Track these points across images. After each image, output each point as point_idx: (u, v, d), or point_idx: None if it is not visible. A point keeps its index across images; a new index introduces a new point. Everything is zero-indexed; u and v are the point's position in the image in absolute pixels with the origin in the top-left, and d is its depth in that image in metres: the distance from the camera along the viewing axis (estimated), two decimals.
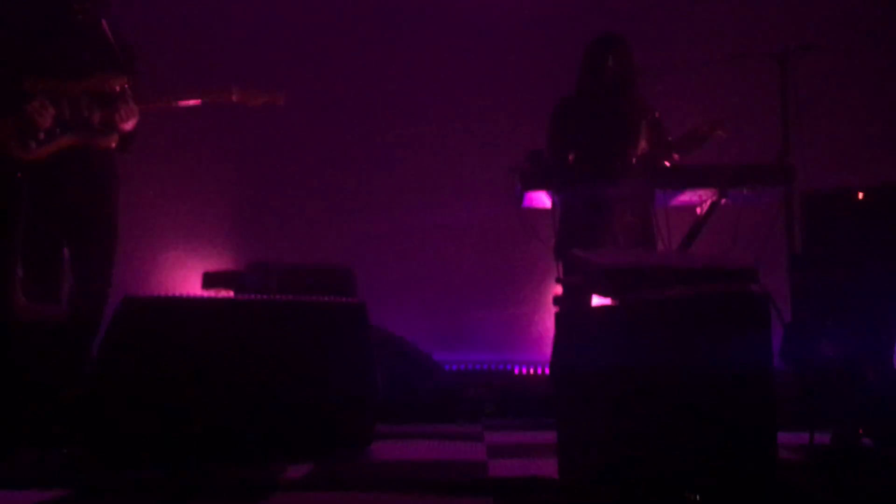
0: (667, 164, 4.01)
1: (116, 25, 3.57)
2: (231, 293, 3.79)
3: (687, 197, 3.91)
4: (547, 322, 3.09)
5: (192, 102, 3.57)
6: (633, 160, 3.98)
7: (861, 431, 3.08)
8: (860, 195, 3.20)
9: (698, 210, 3.92)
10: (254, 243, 5.36)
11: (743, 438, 2.32)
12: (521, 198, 3.93)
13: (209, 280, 3.94)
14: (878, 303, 3.03)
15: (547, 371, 4.88)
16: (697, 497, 2.22)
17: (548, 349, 3.46)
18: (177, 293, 5.13)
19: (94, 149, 3.45)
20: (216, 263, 5.21)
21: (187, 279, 5.37)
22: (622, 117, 4.00)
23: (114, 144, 3.48)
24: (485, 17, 5.67)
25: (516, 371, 5.26)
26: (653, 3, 5.57)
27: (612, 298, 2.59)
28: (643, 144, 4.03)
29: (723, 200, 3.75)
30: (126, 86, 3.45)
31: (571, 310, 2.77)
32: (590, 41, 4.04)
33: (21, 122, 3.33)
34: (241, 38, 5.55)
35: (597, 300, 2.78)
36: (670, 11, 5.50)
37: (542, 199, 3.99)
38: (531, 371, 5.26)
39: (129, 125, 3.46)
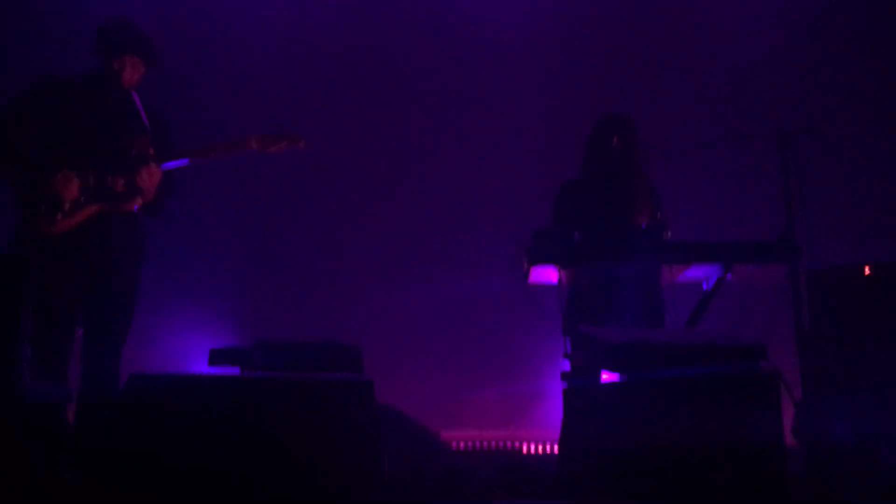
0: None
1: (149, 97, 3.66)
2: (237, 370, 3.77)
3: (693, 273, 3.92)
4: (555, 398, 3.06)
5: (212, 157, 3.62)
6: (639, 237, 4.01)
7: None
8: (867, 271, 3.21)
9: (704, 286, 3.93)
10: (260, 320, 5.37)
11: None
12: (527, 274, 3.94)
13: (215, 357, 3.91)
14: (889, 381, 3.01)
15: (556, 449, 4.82)
16: None
17: (556, 426, 3.43)
18: (183, 370, 5.13)
19: (119, 215, 3.50)
20: (222, 340, 5.20)
21: (193, 356, 5.36)
22: (628, 196, 4.05)
23: (136, 207, 3.53)
24: (493, 95, 5.78)
25: (524, 449, 5.20)
26: (656, 83, 5.69)
27: (621, 375, 2.58)
28: (648, 221, 4.06)
29: (728, 276, 3.76)
30: (147, 148, 3.52)
31: (580, 386, 2.76)
32: (596, 121, 4.12)
33: (47, 195, 3.39)
34: (248, 101, 5.65)
35: (605, 377, 2.78)
36: (674, 91, 5.61)
37: (548, 276, 4.01)
38: (540, 449, 5.19)
39: (151, 186, 3.51)
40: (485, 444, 5.23)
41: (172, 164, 3.58)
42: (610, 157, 4.03)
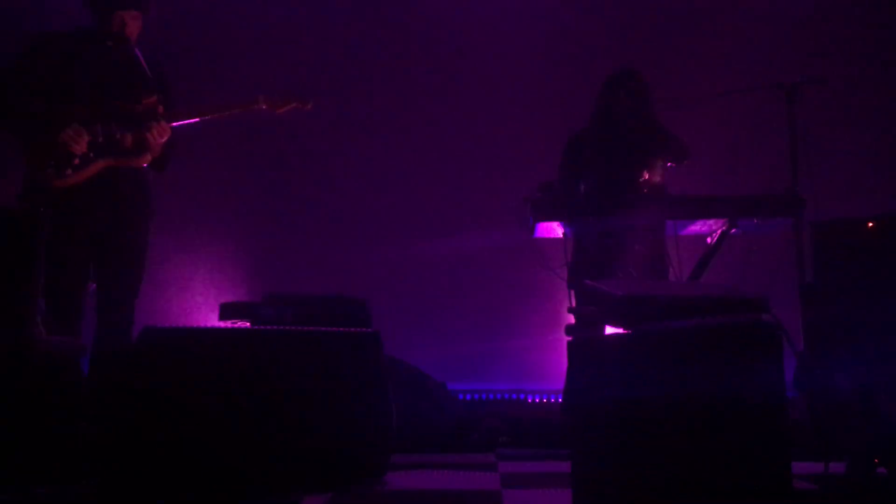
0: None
1: (152, 53, 3.65)
2: (247, 324, 3.82)
3: (697, 227, 3.94)
4: (560, 351, 3.10)
5: (220, 115, 3.64)
6: (645, 191, 4.01)
7: (876, 461, 3.08)
8: (870, 224, 3.22)
9: (708, 240, 3.95)
10: (270, 275, 5.40)
11: (757, 467, 2.33)
12: (533, 228, 3.97)
13: (226, 311, 3.96)
14: (890, 332, 3.04)
15: (560, 399, 4.88)
16: None
17: (561, 378, 3.48)
18: (194, 324, 5.18)
19: (128, 170, 3.52)
20: (233, 295, 5.26)
21: (204, 310, 5.43)
22: (634, 149, 4.05)
23: (145, 164, 3.55)
24: (503, 51, 5.74)
25: (530, 400, 5.27)
26: (664, 37, 5.64)
27: (625, 328, 2.61)
28: (655, 176, 4.06)
29: (732, 230, 3.78)
30: (157, 106, 3.53)
31: (584, 339, 2.79)
32: (607, 75, 4.10)
33: (56, 149, 3.41)
34: (258, 58, 5.63)
35: (609, 330, 2.81)
36: (681, 45, 5.56)
37: (553, 230, 4.03)
38: (545, 400, 5.26)
39: (161, 142, 3.53)
40: (490, 395, 5.30)
41: (182, 122, 3.59)
42: (618, 112, 4.03)
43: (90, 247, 3.50)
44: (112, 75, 3.55)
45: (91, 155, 3.47)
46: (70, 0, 3.78)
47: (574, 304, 3.83)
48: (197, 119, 3.62)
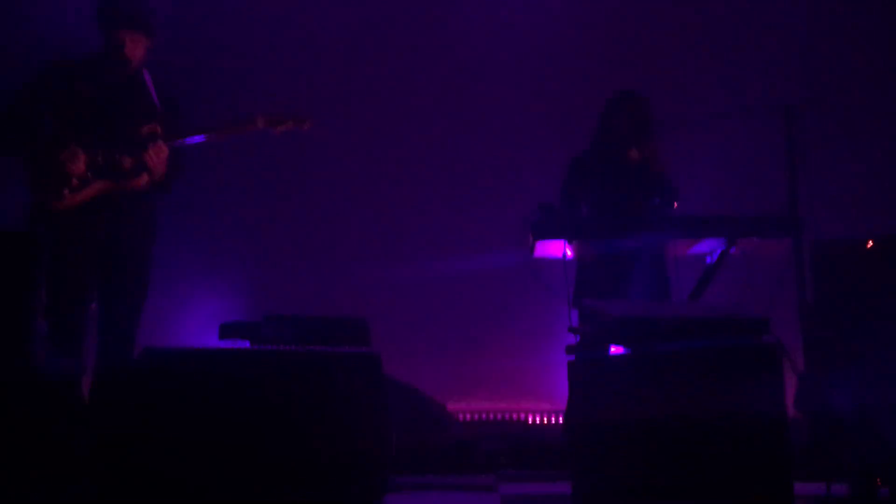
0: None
1: (163, 76, 3.67)
2: (247, 344, 3.81)
3: (697, 247, 3.94)
4: (561, 371, 3.10)
5: (220, 135, 3.64)
6: (647, 212, 4.02)
7: (879, 481, 3.07)
8: (869, 244, 3.22)
9: (708, 259, 3.95)
10: (269, 295, 5.41)
11: (759, 488, 2.32)
12: (532, 248, 3.97)
13: (226, 331, 3.95)
14: (891, 351, 3.04)
15: (561, 420, 4.87)
16: None
17: (562, 398, 3.47)
18: (194, 344, 5.16)
19: (127, 192, 3.53)
20: (233, 314, 5.25)
21: (204, 330, 5.41)
22: (636, 171, 4.06)
23: (143, 183, 3.56)
24: (501, 68, 5.77)
25: (530, 420, 5.25)
26: (665, 56, 5.67)
27: (626, 348, 2.62)
28: (655, 197, 4.07)
29: (732, 250, 3.78)
30: (156, 129, 3.54)
31: (585, 359, 2.79)
32: (608, 97, 4.12)
33: (54, 170, 3.42)
34: (258, 79, 5.65)
35: (611, 350, 2.81)
36: (681, 64, 5.59)
37: (553, 250, 4.03)
38: (546, 420, 5.25)
39: (159, 164, 3.54)
40: (491, 416, 5.28)
41: (180, 143, 3.60)
42: (619, 133, 4.05)
43: (92, 267, 3.51)
44: (115, 97, 3.57)
45: (89, 176, 3.48)
46: (84, 26, 3.81)
47: (575, 323, 3.82)
48: (195, 139, 3.63)
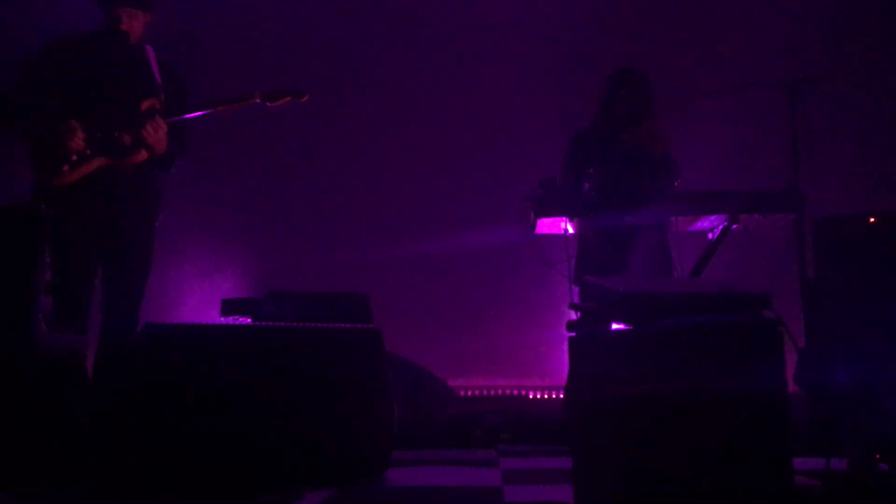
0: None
1: (165, 52, 3.67)
2: (249, 320, 3.82)
3: (699, 223, 3.94)
4: (562, 347, 3.11)
5: (215, 110, 3.64)
6: (649, 189, 4.01)
7: (878, 457, 3.08)
8: (872, 221, 3.22)
9: (710, 236, 3.95)
10: (271, 271, 5.42)
11: (758, 463, 2.34)
12: (534, 225, 3.97)
13: (228, 307, 3.97)
14: (892, 328, 3.04)
15: (562, 396, 4.89)
16: None
17: (562, 374, 3.49)
18: (196, 321, 5.18)
19: (127, 168, 3.53)
20: (235, 291, 5.27)
21: (206, 307, 5.43)
22: (637, 148, 4.04)
23: (143, 159, 3.55)
24: (503, 44, 5.74)
25: (531, 396, 5.27)
26: (668, 33, 5.64)
27: (628, 324, 2.62)
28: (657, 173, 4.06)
29: (734, 226, 3.77)
30: (155, 105, 3.53)
31: (586, 335, 2.79)
32: (609, 74, 4.09)
33: (53, 147, 3.42)
34: (256, 53, 5.63)
35: (612, 326, 2.81)
36: (684, 42, 5.56)
37: (554, 226, 4.03)
38: (546, 396, 5.27)
39: (158, 140, 3.53)
40: (492, 391, 5.30)
41: (178, 118, 3.59)
42: (621, 110, 4.03)
43: (95, 244, 3.52)
44: (115, 74, 3.56)
45: (88, 152, 3.48)
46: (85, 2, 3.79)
47: (576, 300, 3.83)
48: (194, 115, 3.62)
